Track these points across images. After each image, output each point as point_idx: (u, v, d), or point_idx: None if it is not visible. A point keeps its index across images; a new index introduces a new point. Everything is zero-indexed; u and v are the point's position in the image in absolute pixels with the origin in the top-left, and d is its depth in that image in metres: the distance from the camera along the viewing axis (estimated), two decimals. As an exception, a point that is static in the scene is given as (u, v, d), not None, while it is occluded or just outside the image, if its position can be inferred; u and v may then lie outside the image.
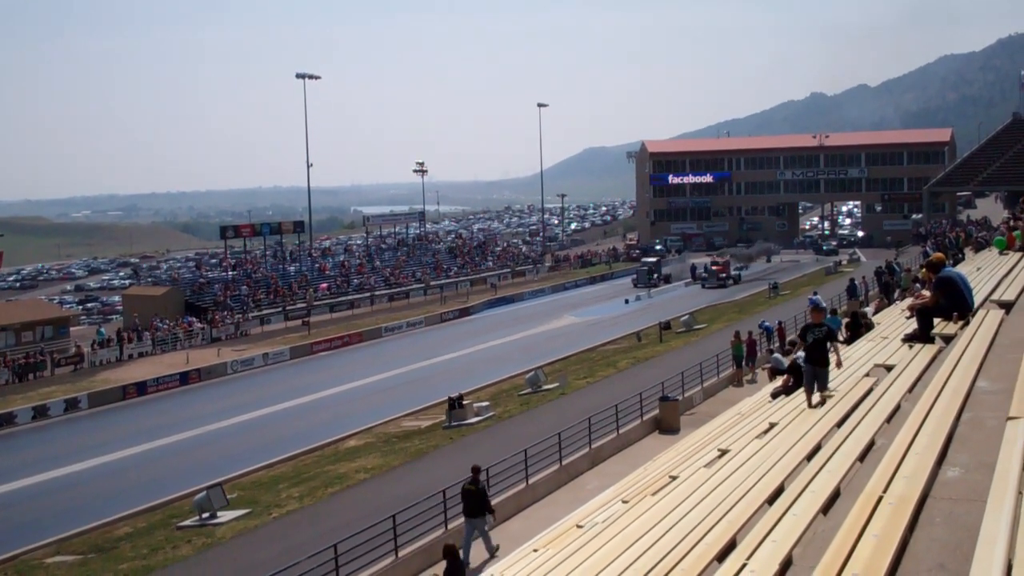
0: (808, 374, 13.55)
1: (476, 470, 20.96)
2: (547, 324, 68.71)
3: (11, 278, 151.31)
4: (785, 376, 17.97)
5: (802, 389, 14.24)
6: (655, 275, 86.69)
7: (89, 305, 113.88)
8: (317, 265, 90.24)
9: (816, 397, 13.35)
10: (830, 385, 13.44)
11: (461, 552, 18.65)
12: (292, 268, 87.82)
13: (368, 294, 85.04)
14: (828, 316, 29.47)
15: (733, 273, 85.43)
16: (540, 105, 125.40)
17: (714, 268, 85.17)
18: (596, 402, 32.81)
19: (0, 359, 57.57)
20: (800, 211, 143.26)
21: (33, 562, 26.53)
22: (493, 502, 21.85)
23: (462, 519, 20.81)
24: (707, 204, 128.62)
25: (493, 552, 20.25)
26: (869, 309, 29.85)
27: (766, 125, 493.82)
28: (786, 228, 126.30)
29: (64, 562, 26.24)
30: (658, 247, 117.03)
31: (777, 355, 27.88)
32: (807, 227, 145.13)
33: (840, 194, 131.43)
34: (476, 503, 20.34)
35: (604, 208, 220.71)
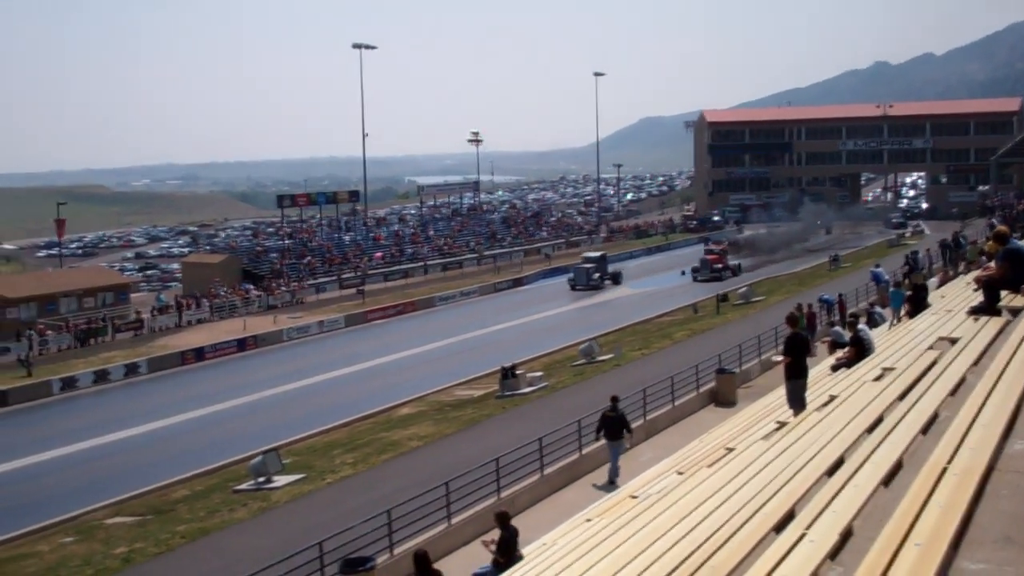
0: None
1: (615, 399, 23.71)
2: (601, 295, 68.53)
3: (73, 245, 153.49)
4: (846, 349, 17.67)
5: (864, 361, 14.01)
6: (598, 275, 72.23)
7: (149, 272, 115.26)
8: (372, 234, 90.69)
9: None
10: (891, 359, 13.19)
11: (608, 471, 22.81)
12: (347, 237, 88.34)
13: (422, 263, 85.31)
14: (891, 290, 29.06)
15: (732, 263, 74.21)
16: (597, 74, 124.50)
17: (708, 258, 73.43)
18: (651, 374, 32.55)
19: (63, 324, 58.51)
20: (863, 182, 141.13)
21: (93, 523, 26.95)
22: (548, 471, 22.54)
23: (519, 485, 21.93)
24: (766, 175, 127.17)
25: (614, 480, 22.34)
26: (933, 281, 29.32)
27: (829, 94, 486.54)
28: (848, 200, 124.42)
29: (123, 523, 26.62)
30: (716, 218, 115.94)
31: (837, 328, 27.44)
32: (869, 199, 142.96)
33: (904, 165, 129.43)
34: (616, 426, 23.06)
35: (661, 179, 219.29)
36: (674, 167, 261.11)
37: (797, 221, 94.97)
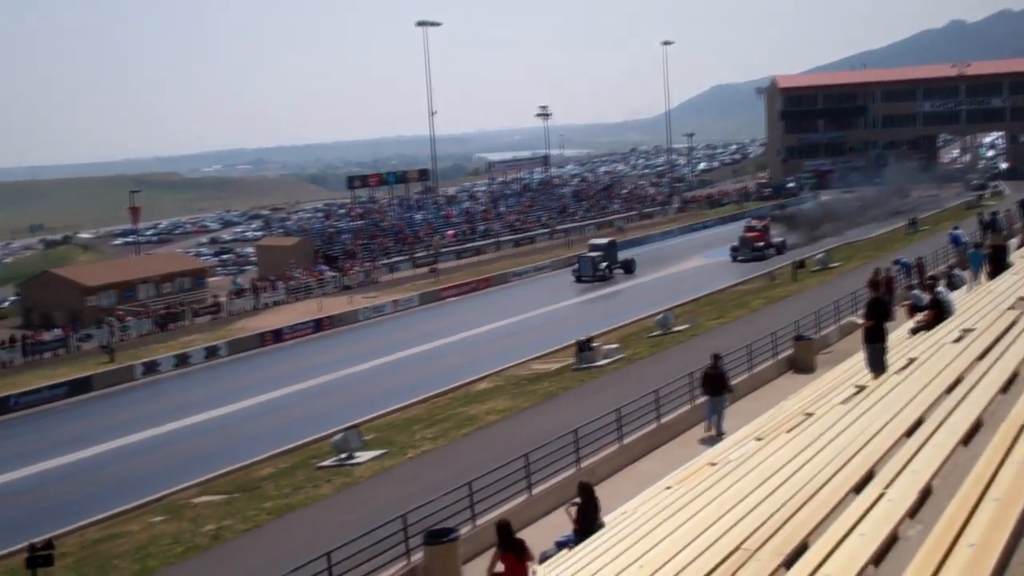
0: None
1: (717, 356, 24.59)
2: (676, 266, 68.11)
3: (148, 232, 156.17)
4: (926, 311, 17.47)
5: (943, 323, 13.87)
6: (606, 264, 65.44)
7: (224, 256, 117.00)
8: (443, 212, 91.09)
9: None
10: (970, 320, 13.04)
11: (704, 424, 24.07)
12: (418, 216, 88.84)
13: (494, 240, 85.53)
14: (971, 250, 28.54)
15: (775, 241, 68.50)
16: (665, 43, 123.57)
17: (748, 236, 67.62)
18: (728, 342, 32.29)
19: (142, 310, 59.81)
20: (939, 144, 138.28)
21: (181, 502, 27.62)
22: (626, 440, 22.86)
23: (598, 456, 22.23)
24: (841, 139, 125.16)
25: (721, 431, 22.98)
26: (1014, 242, 28.74)
27: (903, 55, 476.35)
28: (925, 162, 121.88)
29: (211, 501, 27.23)
30: (790, 184, 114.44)
31: (916, 291, 27.07)
32: (947, 160, 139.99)
33: (982, 125, 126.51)
34: (717, 383, 23.88)
35: (733, 147, 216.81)
36: (747, 135, 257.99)
37: (875, 185, 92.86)
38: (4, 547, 24.42)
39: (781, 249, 67.15)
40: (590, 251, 66.72)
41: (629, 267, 66.53)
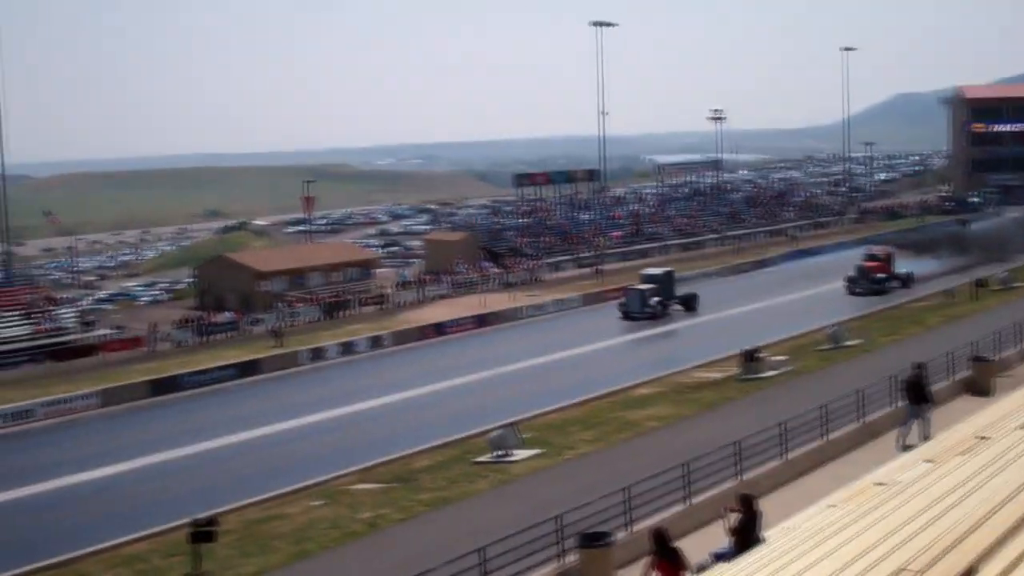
0: None
1: (920, 365, 25.02)
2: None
3: (321, 222, 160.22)
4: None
5: None
6: (658, 299, 55.95)
7: (392, 249, 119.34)
8: (609, 213, 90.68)
9: None
10: None
11: (897, 434, 23.54)
12: (585, 216, 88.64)
13: (660, 243, 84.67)
14: None
15: (900, 272, 60.84)
16: (846, 49, 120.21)
17: (867, 265, 60.07)
18: (901, 360, 31.01)
19: (311, 297, 61.39)
20: None
21: (340, 488, 28.02)
22: (791, 455, 22.31)
23: (760, 469, 21.71)
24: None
25: (927, 437, 21.64)
26: None
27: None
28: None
29: (368, 489, 27.56)
30: (974, 199, 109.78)
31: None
32: None
33: None
34: (919, 392, 24.02)
35: (915, 158, 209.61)
36: (929, 146, 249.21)
37: None
38: (169, 522, 25.20)
39: (907, 282, 60.14)
40: (642, 282, 57.69)
41: (690, 303, 57.50)
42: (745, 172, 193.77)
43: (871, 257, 61.37)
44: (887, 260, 61.10)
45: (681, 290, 58.48)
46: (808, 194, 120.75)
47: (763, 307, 56.78)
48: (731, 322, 52.23)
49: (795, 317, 51.28)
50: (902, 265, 62.04)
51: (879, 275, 59.30)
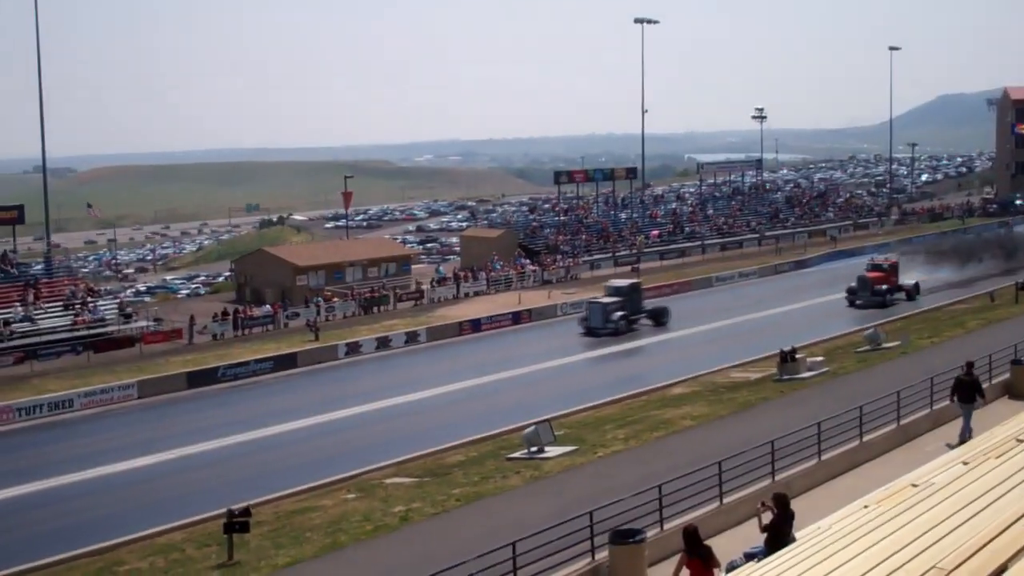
0: None
1: (970, 364, 25.30)
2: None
3: (359, 217, 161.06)
4: None
5: None
6: (621, 314, 51.67)
7: (429, 245, 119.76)
8: (648, 212, 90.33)
9: None
10: None
11: (960, 432, 23.60)
12: (623, 215, 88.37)
13: (699, 243, 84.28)
14: None
15: (906, 284, 57.44)
16: (891, 48, 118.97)
17: (869, 276, 56.41)
18: (940, 363, 30.72)
19: (348, 292, 61.63)
20: None
21: (373, 482, 28.15)
22: (825, 456, 22.17)
23: (794, 469, 21.48)
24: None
25: (966, 437, 22.21)
26: None
27: None
28: None
29: (401, 483, 27.66)
30: (1019, 201, 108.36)
31: None
32: None
33: None
34: (969, 390, 24.48)
35: (959, 159, 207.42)
36: (974, 147, 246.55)
37: None
38: (203, 512, 25.41)
39: (912, 294, 56.82)
40: (605, 295, 53.70)
41: (659, 317, 53.54)
42: (786, 171, 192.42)
43: (874, 267, 57.61)
44: (892, 270, 57.40)
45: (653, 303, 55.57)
46: (850, 194, 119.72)
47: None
48: (764, 324, 51.70)
49: (835, 318, 50.79)
50: (925, 271, 60.76)
51: (882, 286, 55.70)
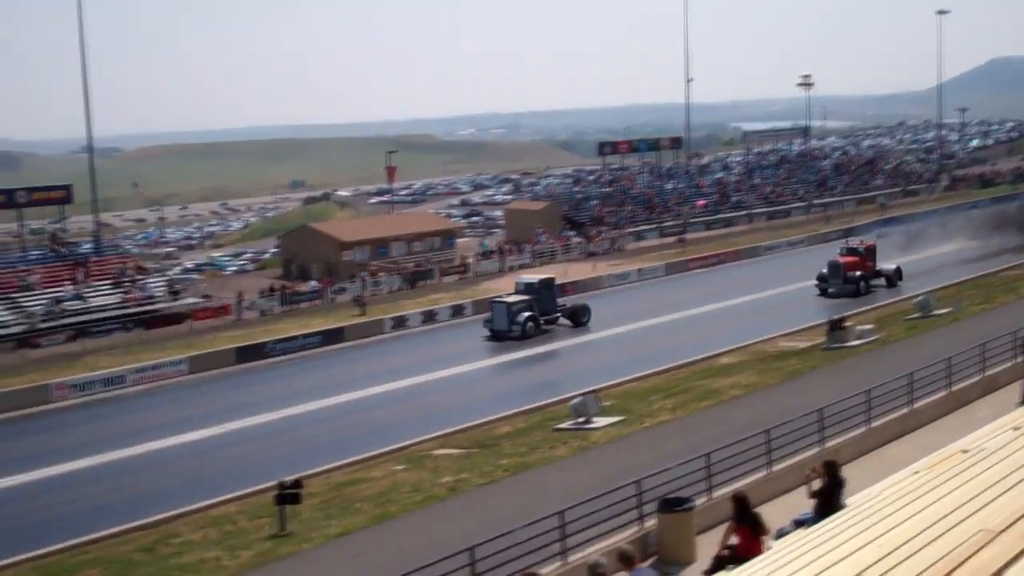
0: None
1: None
2: (941, 246, 63.07)
3: (402, 192, 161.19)
4: None
5: None
6: (528, 315, 45.35)
7: (473, 219, 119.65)
8: (694, 182, 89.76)
9: None
10: None
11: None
12: (669, 185, 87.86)
13: (746, 212, 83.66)
14: None
15: (885, 269, 51.68)
16: (940, 12, 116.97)
17: (842, 261, 50.14)
18: (992, 329, 30.38)
19: (394, 267, 61.89)
20: None
21: (421, 453, 28.36)
22: (875, 424, 22.08)
23: (844, 437, 21.30)
24: None
25: None
26: None
27: None
28: None
29: (450, 454, 27.84)
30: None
31: None
32: None
33: None
34: None
35: (1010, 124, 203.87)
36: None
37: None
38: (255, 484, 25.71)
39: (893, 280, 51.21)
40: (513, 293, 47.76)
41: (578, 316, 47.92)
42: (835, 139, 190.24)
43: (849, 251, 51.75)
44: (868, 254, 51.65)
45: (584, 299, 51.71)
46: (899, 161, 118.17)
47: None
48: (807, 293, 51.02)
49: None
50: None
51: (855, 272, 49.81)
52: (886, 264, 51.93)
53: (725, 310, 49.13)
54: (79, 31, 57.87)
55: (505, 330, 45.05)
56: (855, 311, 42.35)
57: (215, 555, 21.25)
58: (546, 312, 46.60)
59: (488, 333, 46.07)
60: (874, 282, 50.71)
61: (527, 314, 45.39)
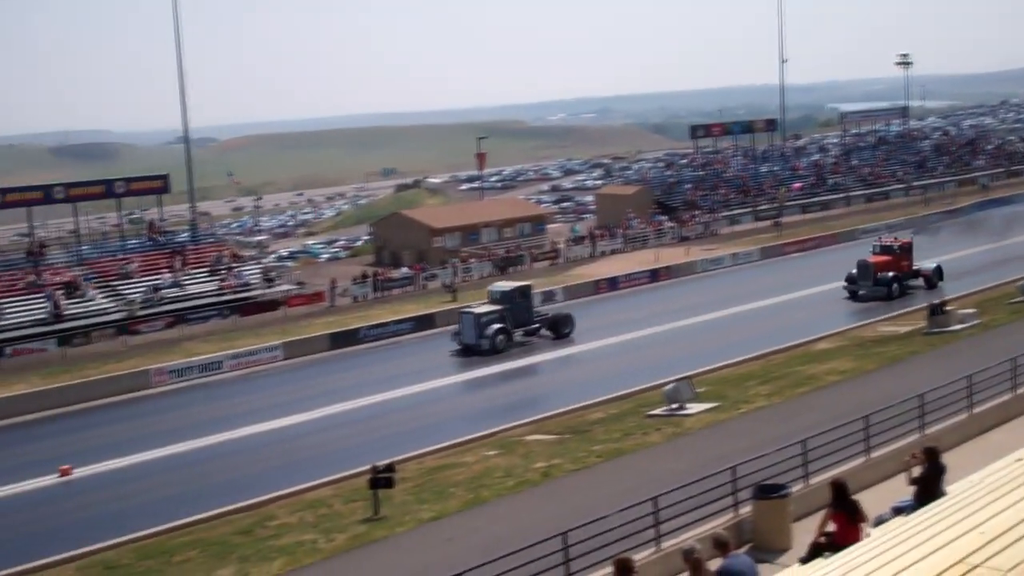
0: None
1: None
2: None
3: (493, 178, 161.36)
4: None
5: None
6: (498, 327, 41.48)
7: (564, 204, 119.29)
8: (790, 164, 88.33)
9: None
10: None
11: None
12: (763, 168, 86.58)
13: (843, 195, 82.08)
14: None
15: (926, 268, 47.09)
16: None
17: (873, 261, 45.97)
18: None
19: (484, 253, 62.03)
20: None
21: (514, 439, 28.39)
22: (977, 410, 21.66)
23: (944, 423, 20.85)
24: None
25: None
26: None
27: None
28: None
29: (542, 440, 27.83)
30: None
31: None
32: None
33: None
34: None
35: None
36: None
37: None
38: (350, 469, 25.98)
39: (933, 280, 46.52)
40: (484, 303, 43.84)
41: (559, 327, 43.78)
42: (934, 119, 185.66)
43: (883, 248, 47.51)
44: (904, 252, 47.08)
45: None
46: (1001, 141, 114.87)
47: (957, 256, 51.41)
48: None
49: (989, 268, 48.38)
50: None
51: (887, 273, 45.49)
52: (925, 263, 47.49)
53: (823, 294, 48.19)
54: (174, 23, 59.15)
55: (473, 344, 41.41)
56: (956, 295, 41.26)
57: (311, 537, 21.54)
58: (522, 323, 42.86)
59: (458, 346, 42.28)
60: (912, 283, 46.66)
61: (497, 326, 41.59)
